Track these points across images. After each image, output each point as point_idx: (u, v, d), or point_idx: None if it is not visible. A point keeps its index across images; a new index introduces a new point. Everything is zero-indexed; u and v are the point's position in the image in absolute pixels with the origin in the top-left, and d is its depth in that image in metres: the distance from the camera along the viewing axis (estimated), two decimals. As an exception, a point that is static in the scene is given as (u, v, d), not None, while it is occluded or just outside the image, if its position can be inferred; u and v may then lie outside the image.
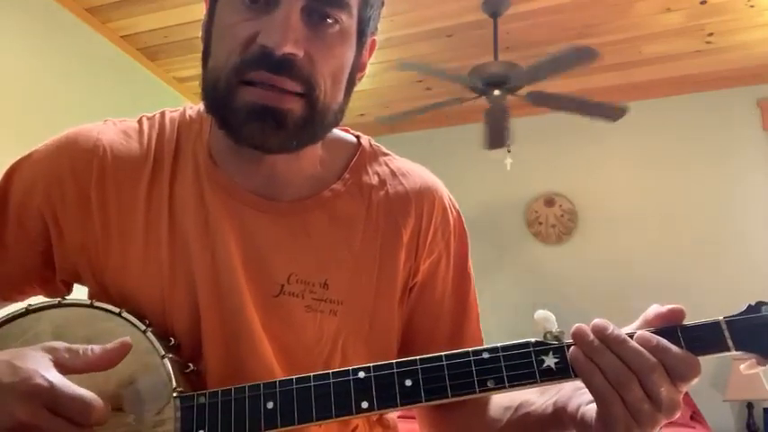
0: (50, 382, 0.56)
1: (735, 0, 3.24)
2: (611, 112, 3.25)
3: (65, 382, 0.57)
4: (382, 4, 0.78)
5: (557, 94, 3.25)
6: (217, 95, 0.70)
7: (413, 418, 0.91)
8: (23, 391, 0.56)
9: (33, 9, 3.07)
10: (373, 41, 0.80)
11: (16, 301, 0.81)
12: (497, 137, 3.47)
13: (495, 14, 3.26)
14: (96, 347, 0.62)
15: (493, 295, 4.06)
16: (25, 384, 0.56)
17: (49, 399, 0.56)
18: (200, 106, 0.82)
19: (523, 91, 3.21)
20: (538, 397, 0.73)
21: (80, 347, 0.62)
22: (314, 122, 0.71)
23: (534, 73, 3.03)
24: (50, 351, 0.60)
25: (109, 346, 0.62)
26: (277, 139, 0.70)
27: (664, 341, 0.61)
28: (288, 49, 0.66)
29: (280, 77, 0.67)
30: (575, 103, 3.28)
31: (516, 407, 0.75)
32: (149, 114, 0.82)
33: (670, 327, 0.63)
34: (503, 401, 0.78)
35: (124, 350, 0.62)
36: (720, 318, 0.63)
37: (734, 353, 0.62)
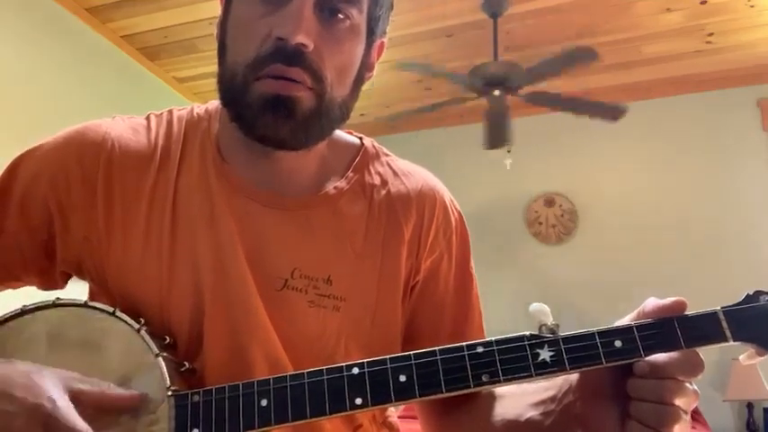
0: (54, 404, 0.59)
1: (735, 0, 3.24)
2: (611, 112, 3.25)
3: (70, 410, 0.60)
4: (391, 6, 0.80)
5: (556, 94, 3.25)
6: (234, 89, 0.72)
7: (414, 417, 0.91)
8: (29, 406, 0.59)
9: (33, 9, 3.08)
10: (382, 43, 0.82)
11: (12, 288, 0.82)
12: (497, 136, 3.47)
13: (495, 14, 3.27)
14: (113, 387, 0.65)
15: (493, 295, 4.05)
16: (32, 401, 0.59)
17: (48, 419, 0.59)
18: (208, 105, 0.84)
19: (523, 91, 3.21)
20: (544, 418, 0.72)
21: (96, 380, 0.65)
22: (320, 115, 0.73)
23: (534, 74, 3.04)
24: (66, 377, 0.63)
25: (125, 392, 0.65)
26: (287, 129, 0.71)
27: (661, 360, 0.62)
28: (300, 39, 0.68)
29: (292, 69, 0.69)
30: (574, 102, 3.28)
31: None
32: (157, 112, 0.84)
33: (667, 318, 0.63)
34: (507, 414, 0.77)
35: (134, 401, 0.65)
36: (718, 308, 0.62)
37: (732, 343, 0.61)
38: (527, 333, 0.64)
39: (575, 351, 0.63)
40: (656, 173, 4.18)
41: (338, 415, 0.63)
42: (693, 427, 3.20)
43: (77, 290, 0.79)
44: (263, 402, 0.63)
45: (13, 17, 2.96)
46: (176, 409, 0.63)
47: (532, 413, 0.72)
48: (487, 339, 0.64)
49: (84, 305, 0.70)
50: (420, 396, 0.62)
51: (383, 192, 0.82)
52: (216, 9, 0.78)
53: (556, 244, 4.37)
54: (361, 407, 0.62)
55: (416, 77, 3.98)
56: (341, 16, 0.72)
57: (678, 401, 0.61)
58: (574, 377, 0.68)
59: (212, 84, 0.77)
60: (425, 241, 0.82)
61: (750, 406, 3.64)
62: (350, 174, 0.82)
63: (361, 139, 0.88)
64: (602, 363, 0.62)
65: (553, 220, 4.38)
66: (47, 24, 3.14)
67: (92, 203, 0.75)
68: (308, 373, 0.64)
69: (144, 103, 3.68)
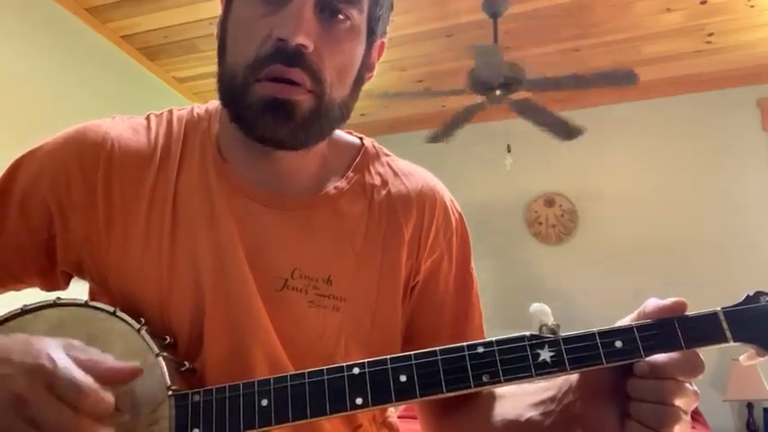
0: (54, 363, 0.57)
1: (735, 0, 3.24)
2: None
3: (69, 364, 0.58)
4: (391, 6, 0.80)
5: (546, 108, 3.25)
6: (234, 90, 0.72)
7: (414, 417, 0.91)
8: (28, 367, 0.57)
9: (33, 9, 3.08)
10: (382, 43, 0.82)
11: (14, 290, 0.82)
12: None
13: (495, 14, 3.27)
14: (111, 359, 0.62)
15: (493, 295, 4.06)
16: (31, 361, 0.57)
17: (49, 377, 0.57)
18: (208, 105, 0.84)
19: (521, 94, 3.21)
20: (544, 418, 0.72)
21: (96, 350, 0.63)
22: (320, 116, 0.73)
23: (554, 84, 3.04)
24: (66, 343, 0.61)
25: (121, 364, 0.62)
26: (287, 130, 0.71)
27: (661, 361, 0.61)
28: (300, 39, 0.68)
29: (292, 69, 0.69)
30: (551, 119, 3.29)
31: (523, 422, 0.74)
32: (157, 112, 0.84)
33: (667, 318, 0.63)
34: (507, 415, 0.77)
35: (134, 373, 0.62)
36: (718, 308, 0.62)
37: (732, 344, 0.61)
38: (527, 333, 0.64)
39: (575, 351, 0.63)
40: (655, 173, 4.18)
41: (339, 415, 0.63)
42: (693, 428, 3.20)
43: (78, 290, 0.79)
44: (264, 402, 0.63)
45: (13, 17, 2.96)
46: (177, 408, 0.63)
47: (532, 413, 0.72)
48: (488, 339, 0.64)
49: (85, 305, 0.70)
50: (421, 396, 0.62)
51: (383, 192, 0.83)
52: (216, 9, 0.78)
53: (556, 244, 4.37)
54: (361, 407, 0.62)
55: (417, 77, 3.98)
56: (341, 17, 0.72)
57: (678, 402, 0.61)
58: (574, 377, 0.68)
59: (212, 84, 0.77)
60: (425, 242, 0.82)
61: (750, 406, 3.64)
62: (350, 174, 0.83)
63: (361, 139, 0.88)
64: (602, 363, 0.62)
65: (553, 220, 4.38)
66: (47, 24, 3.14)
67: (92, 203, 0.75)
68: (308, 372, 0.64)
69: (144, 103, 3.68)
